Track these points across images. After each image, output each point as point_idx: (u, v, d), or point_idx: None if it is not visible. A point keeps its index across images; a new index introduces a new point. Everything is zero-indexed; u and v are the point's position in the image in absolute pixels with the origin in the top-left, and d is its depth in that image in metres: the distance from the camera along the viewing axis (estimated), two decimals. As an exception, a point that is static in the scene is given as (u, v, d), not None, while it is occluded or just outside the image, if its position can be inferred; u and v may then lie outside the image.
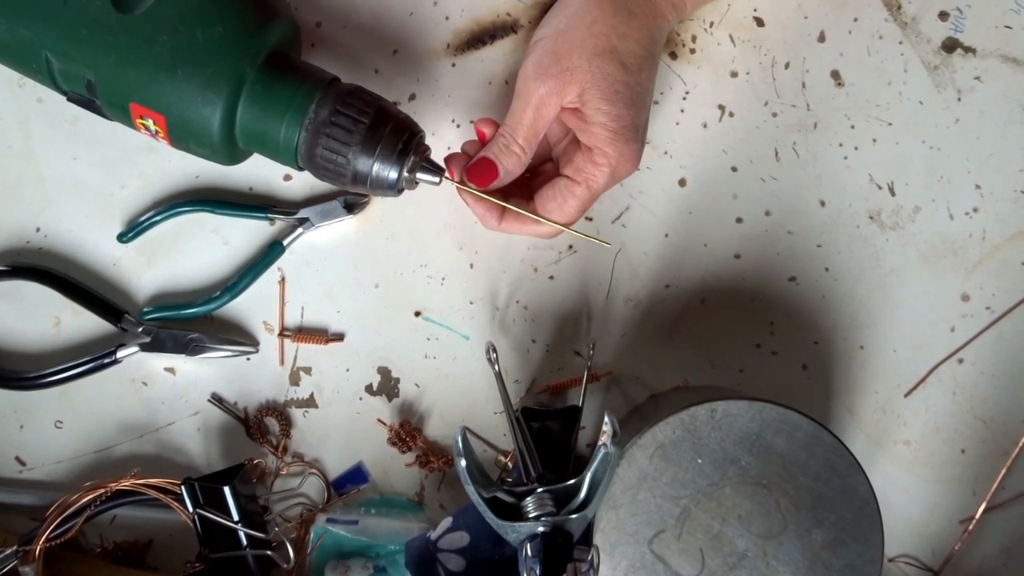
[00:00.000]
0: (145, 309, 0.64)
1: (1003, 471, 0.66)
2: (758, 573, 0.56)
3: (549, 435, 0.62)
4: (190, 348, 0.63)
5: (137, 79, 0.54)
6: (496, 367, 0.61)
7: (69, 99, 0.57)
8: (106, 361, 0.63)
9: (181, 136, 0.56)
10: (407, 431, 0.65)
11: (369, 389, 0.65)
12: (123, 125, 0.57)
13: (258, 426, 0.64)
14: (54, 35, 0.54)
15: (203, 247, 0.65)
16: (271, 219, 0.65)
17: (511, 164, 0.58)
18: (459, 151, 0.60)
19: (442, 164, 0.57)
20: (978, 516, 0.66)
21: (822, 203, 0.66)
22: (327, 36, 0.65)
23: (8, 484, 0.64)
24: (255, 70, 0.54)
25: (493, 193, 0.58)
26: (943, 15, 0.67)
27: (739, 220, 0.66)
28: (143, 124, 0.56)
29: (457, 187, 0.58)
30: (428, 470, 0.65)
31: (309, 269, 0.65)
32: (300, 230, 0.64)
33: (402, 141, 0.54)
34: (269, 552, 0.60)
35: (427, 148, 0.57)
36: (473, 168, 0.58)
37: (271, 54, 0.55)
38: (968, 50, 0.67)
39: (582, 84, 0.56)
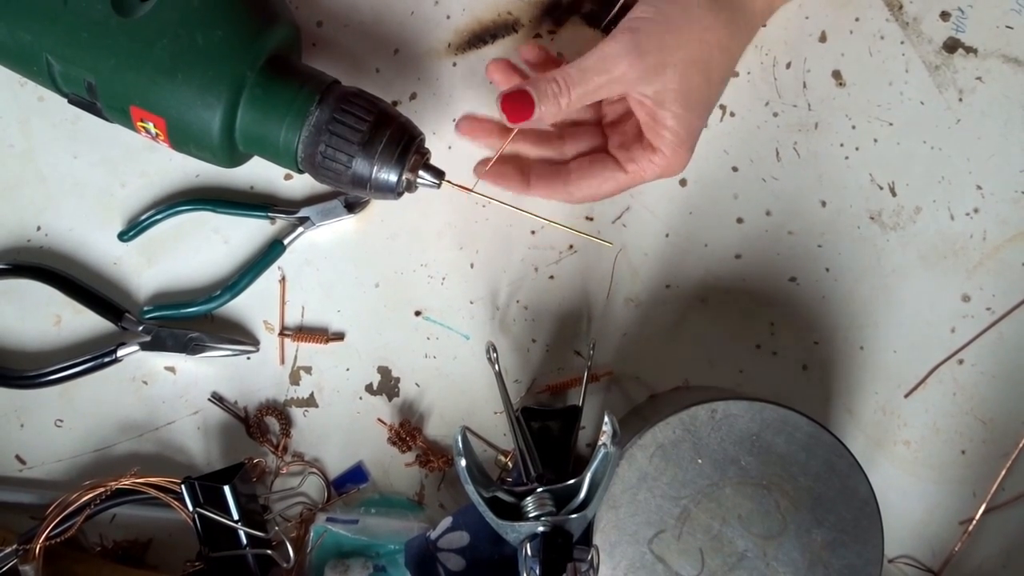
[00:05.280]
0: (145, 308, 0.64)
1: (1003, 472, 0.66)
2: (758, 573, 0.56)
3: (549, 435, 0.62)
4: (190, 347, 0.63)
5: (137, 82, 0.53)
6: (496, 367, 0.61)
7: (70, 101, 0.57)
8: (106, 360, 0.63)
9: (181, 139, 0.55)
10: (407, 431, 0.65)
11: (369, 388, 0.65)
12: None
13: (258, 425, 0.65)
14: (55, 38, 0.54)
15: (203, 246, 0.65)
16: (272, 218, 0.65)
17: (549, 113, 0.53)
18: (500, 58, 0.58)
19: (442, 168, 0.57)
20: (978, 517, 0.66)
21: (823, 203, 0.66)
22: (328, 35, 0.65)
23: (8, 483, 0.65)
24: (255, 73, 0.54)
25: (505, 169, 0.58)
26: (944, 15, 0.66)
27: (740, 220, 0.66)
28: (143, 127, 0.55)
29: (478, 166, 0.58)
30: (428, 469, 0.65)
31: (309, 268, 0.65)
32: (301, 229, 0.64)
33: (402, 145, 0.54)
34: (269, 551, 0.60)
35: (427, 152, 0.57)
36: (510, 97, 0.53)
37: (271, 57, 0.55)
38: (969, 50, 0.66)
39: (666, 86, 0.54)
